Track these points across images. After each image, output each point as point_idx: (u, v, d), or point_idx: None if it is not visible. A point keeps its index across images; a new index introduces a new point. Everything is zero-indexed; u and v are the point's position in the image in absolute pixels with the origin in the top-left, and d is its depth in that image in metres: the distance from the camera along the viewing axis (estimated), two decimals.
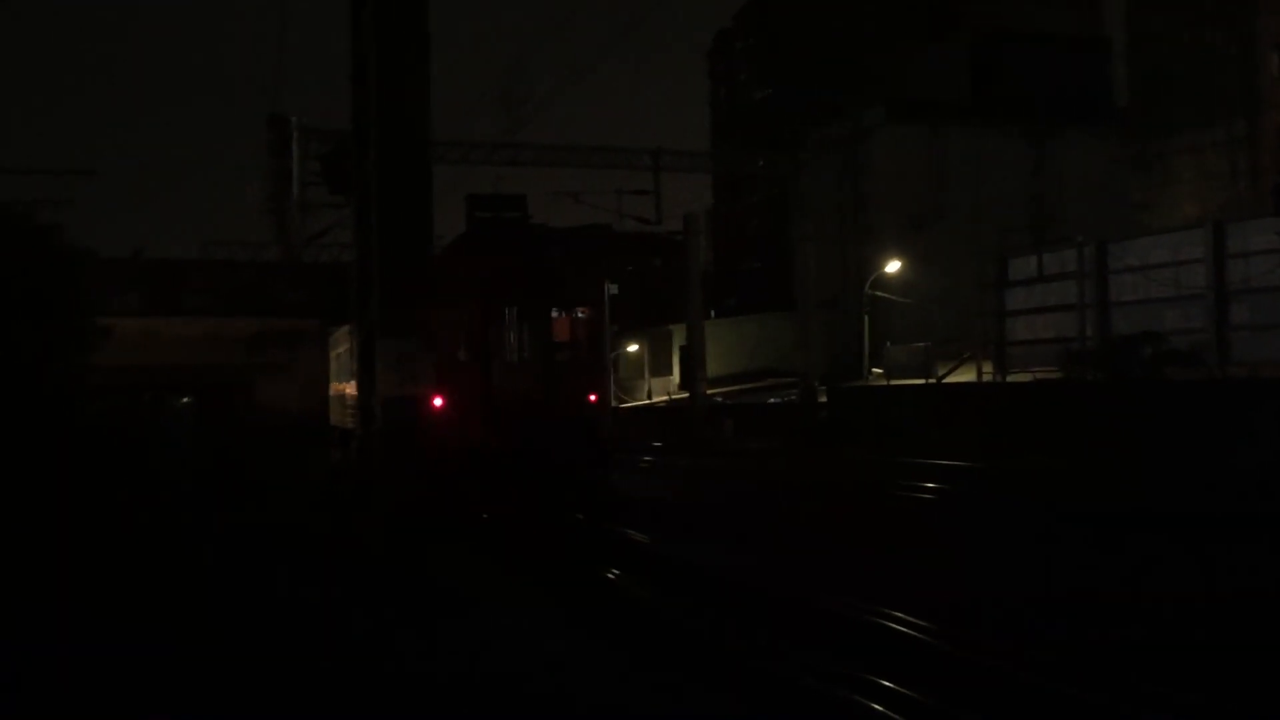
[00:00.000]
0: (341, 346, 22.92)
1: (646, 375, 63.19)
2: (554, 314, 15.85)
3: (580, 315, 16.20)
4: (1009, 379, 29.37)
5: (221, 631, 8.20)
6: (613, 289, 18.99)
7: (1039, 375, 27.97)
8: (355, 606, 9.11)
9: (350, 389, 18.23)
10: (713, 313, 63.69)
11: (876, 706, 6.67)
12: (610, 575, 11.53)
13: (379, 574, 10.70)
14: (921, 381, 32.21)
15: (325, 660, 7.52)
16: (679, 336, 56.39)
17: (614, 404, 62.00)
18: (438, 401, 14.16)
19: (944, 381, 31.55)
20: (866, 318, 40.10)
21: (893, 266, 41.99)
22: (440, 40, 14.86)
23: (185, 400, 46.25)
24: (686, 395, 47.10)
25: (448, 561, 11.76)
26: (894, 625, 8.47)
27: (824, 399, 37.81)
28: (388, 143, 13.73)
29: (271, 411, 21.63)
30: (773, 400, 44.63)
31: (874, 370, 38.85)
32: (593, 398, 15.77)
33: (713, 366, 47.84)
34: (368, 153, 13.86)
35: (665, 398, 56.55)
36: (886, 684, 7.02)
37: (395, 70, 13.84)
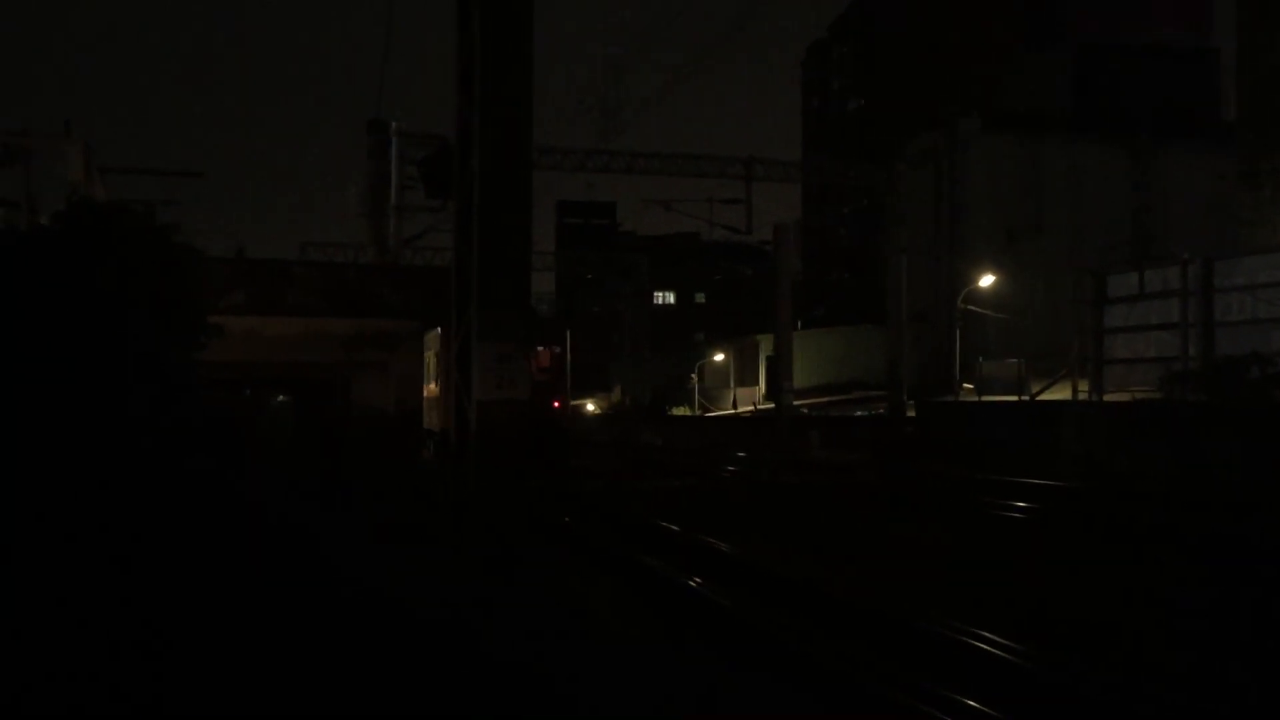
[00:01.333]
0: (434, 349, 23.38)
1: (732, 385, 63.12)
2: (538, 348, 22.90)
3: (554, 350, 23.99)
4: (1106, 398, 28.69)
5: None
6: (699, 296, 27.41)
7: (1138, 395, 27.28)
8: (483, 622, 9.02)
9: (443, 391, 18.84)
10: (799, 323, 63.38)
11: None
12: (694, 583, 11.59)
13: (477, 578, 10.83)
14: (1014, 398, 31.61)
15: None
16: (766, 346, 56.22)
17: (699, 413, 62.19)
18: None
19: (1038, 399, 30.92)
20: (958, 332, 39.50)
21: (986, 281, 41.32)
22: (538, 47, 15.03)
23: (281, 398, 47.45)
24: (772, 406, 46.88)
25: (552, 572, 11.84)
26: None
27: (913, 413, 37.32)
28: (490, 146, 13.92)
29: (366, 410, 22.09)
30: (860, 413, 44.23)
31: (965, 385, 38.26)
32: (556, 404, 24.14)
33: (799, 377, 47.57)
34: (470, 156, 14.07)
35: (750, 408, 56.43)
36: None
37: (499, 75, 14.03)
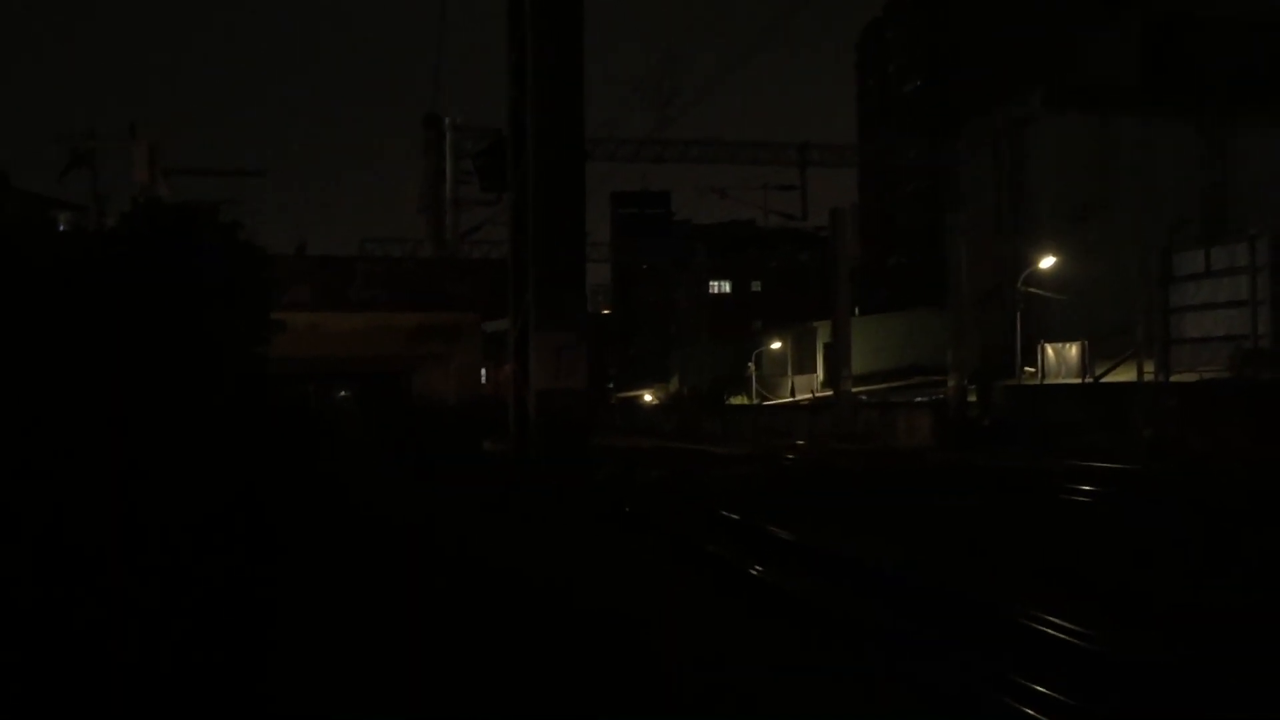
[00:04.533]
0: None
1: (790, 373, 62.84)
2: None
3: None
4: (1173, 378, 28.15)
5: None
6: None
7: (1206, 375, 26.75)
8: None
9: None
10: (858, 309, 62.88)
11: None
12: (754, 571, 11.61)
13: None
14: (1078, 381, 31.15)
15: None
16: (824, 333, 55.87)
17: (757, 401, 62.11)
18: None
19: (1102, 381, 30.42)
20: (1019, 314, 38.94)
21: (1048, 262, 40.66)
22: (589, 36, 15.11)
23: (344, 393, 48.17)
24: (831, 393, 46.59)
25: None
26: None
27: (974, 397, 36.92)
28: (542, 138, 14.04)
29: (428, 402, 22.37)
30: (920, 398, 43.85)
31: (1026, 369, 37.74)
32: None
33: (858, 364, 47.19)
34: (524, 148, 14.21)
35: (809, 395, 56.15)
36: None
37: (550, 67, 14.14)
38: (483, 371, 38.39)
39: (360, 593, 9.29)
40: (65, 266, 8.94)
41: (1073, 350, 33.22)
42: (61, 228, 21.83)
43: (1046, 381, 33.51)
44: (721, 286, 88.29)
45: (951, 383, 38.01)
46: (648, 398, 78.97)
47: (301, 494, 11.64)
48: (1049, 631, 8.04)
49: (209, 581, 6.76)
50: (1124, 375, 30.46)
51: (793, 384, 61.44)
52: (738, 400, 62.65)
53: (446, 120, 38.94)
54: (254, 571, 8.09)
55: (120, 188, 32.21)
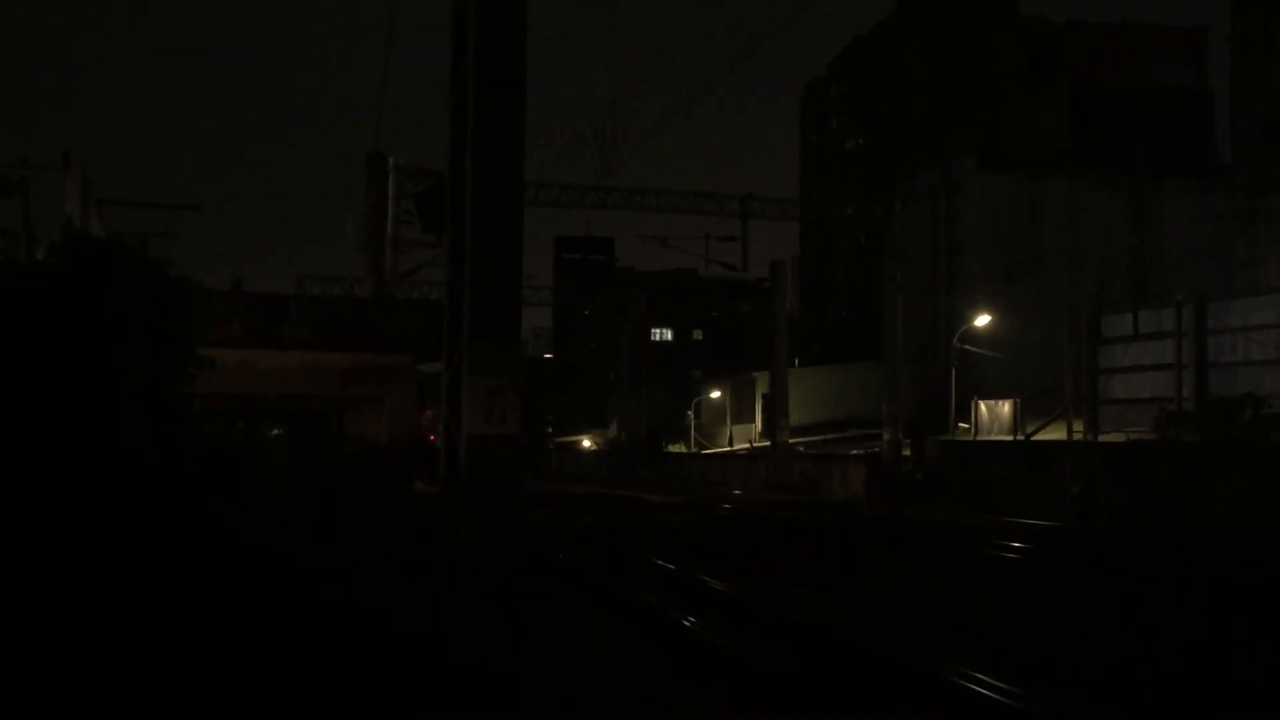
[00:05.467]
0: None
1: (729, 422, 63.02)
2: None
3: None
4: (1101, 438, 28.67)
5: None
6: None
7: (1132, 435, 27.29)
8: None
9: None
10: (796, 360, 63.32)
11: None
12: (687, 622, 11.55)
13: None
14: (1009, 438, 31.60)
15: None
16: (762, 384, 56.15)
17: (695, 450, 61.97)
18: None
19: (1033, 439, 30.88)
20: (954, 370, 39.51)
21: (982, 320, 41.39)
22: (534, 82, 15.14)
23: (275, 431, 47.29)
24: (768, 443, 46.77)
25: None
26: None
27: (908, 451, 37.27)
28: (482, 183, 14.00)
29: (361, 444, 22.03)
30: (855, 451, 44.20)
31: (960, 424, 38.22)
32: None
33: (796, 415, 47.47)
34: (463, 193, 14.14)
35: (747, 445, 56.32)
36: None
37: (491, 112, 14.13)
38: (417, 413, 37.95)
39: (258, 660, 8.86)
40: None
41: (1005, 407, 33.71)
42: None
43: (979, 437, 33.96)
44: (663, 334, 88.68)
45: (886, 436, 38.33)
46: (586, 443, 78.69)
47: (208, 550, 11.26)
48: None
49: None
50: (1054, 433, 30.95)
51: (731, 433, 61.58)
52: (676, 448, 62.62)
53: (390, 160, 38.75)
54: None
55: (53, 218, 31.54)
